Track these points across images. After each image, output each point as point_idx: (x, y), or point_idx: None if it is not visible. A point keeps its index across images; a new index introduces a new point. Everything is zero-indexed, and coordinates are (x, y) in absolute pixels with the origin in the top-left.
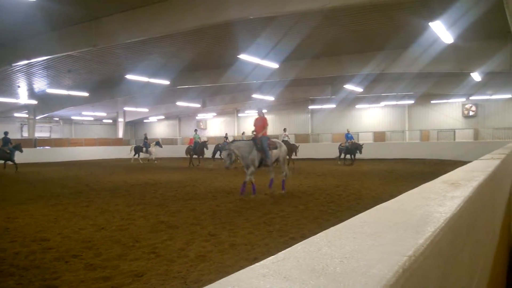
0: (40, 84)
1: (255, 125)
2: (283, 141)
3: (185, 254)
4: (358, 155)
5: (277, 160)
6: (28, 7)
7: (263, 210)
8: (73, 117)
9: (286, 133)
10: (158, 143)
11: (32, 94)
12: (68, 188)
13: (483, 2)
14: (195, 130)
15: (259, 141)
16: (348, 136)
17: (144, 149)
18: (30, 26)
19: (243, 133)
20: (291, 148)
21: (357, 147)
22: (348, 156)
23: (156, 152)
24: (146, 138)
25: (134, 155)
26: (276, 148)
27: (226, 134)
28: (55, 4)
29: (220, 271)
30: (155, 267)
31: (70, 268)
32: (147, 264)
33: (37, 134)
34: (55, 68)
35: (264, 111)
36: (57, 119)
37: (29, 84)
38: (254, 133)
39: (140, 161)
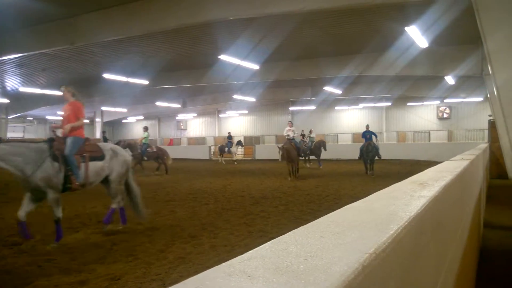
0: (13, 83)
1: (63, 115)
2: (312, 142)
3: (164, 256)
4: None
5: (107, 179)
6: (0, 2)
7: (243, 211)
8: (47, 117)
9: (312, 134)
10: (240, 143)
11: (4, 92)
12: None
13: (455, 9)
14: (145, 128)
15: (61, 142)
16: (365, 135)
17: (226, 149)
18: (2, 21)
19: (309, 132)
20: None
21: (371, 150)
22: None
23: (237, 152)
24: (230, 137)
25: (220, 155)
26: (101, 158)
27: (303, 130)
28: (29, 0)
29: (200, 273)
30: (133, 270)
31: (43, 272)
32: (125, 267)
33: (10, 134)
34: (29, 66)
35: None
36: (31, 118)
37: (0, 82)
38: (54, 128)
39: (223, 162)
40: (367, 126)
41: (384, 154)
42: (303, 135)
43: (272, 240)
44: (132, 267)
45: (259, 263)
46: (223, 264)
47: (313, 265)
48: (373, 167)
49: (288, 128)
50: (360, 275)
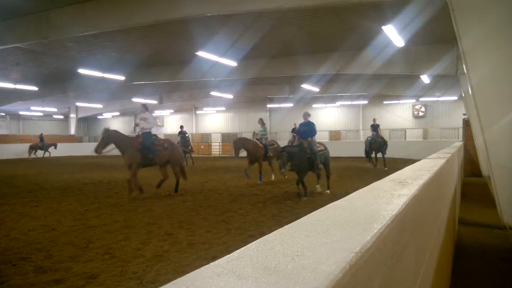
0: None
1: None
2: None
3: (141, 254)
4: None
5: None
6: None
7: (221, 208)
8: (21, 112)
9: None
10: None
11: None
12: (15, 187)
13: (431, 8)
14: None
15: None
16: (299, 130)
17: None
18: None
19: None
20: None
21: (301, 155)
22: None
23: None
24: (294, 130)
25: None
26: None
27: (374, 120)
28: None
29: (178, 270)
30: (110, 268)
31: (18, 271)
32: (102, 265)
33: None
34: (2, 61)
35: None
36: (3, 114)
37: None
38: None
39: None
40: (306, 115)
41: (361, 151)
42: (374, 126)
43: (258, 240)
44: (109, 266)
45: (247, 263)
46: (212, 263)
47: (301, 265)
48: (329, 185)
49: (143, 114)
50: (348, 274)
